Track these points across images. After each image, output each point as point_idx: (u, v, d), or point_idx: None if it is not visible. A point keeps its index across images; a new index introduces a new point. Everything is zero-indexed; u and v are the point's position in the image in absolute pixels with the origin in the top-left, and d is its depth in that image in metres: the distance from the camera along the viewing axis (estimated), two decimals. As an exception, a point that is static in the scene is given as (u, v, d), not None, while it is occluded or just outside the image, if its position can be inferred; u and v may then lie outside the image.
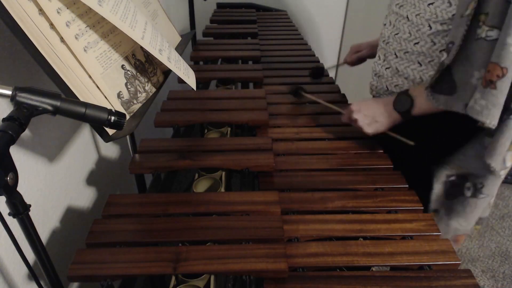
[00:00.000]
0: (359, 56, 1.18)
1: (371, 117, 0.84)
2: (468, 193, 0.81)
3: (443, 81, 0.72)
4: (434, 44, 0.78)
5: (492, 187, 0.79)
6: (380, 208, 0.73)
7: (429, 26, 0.77)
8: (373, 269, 0.64)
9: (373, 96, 0.99)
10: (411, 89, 0.80)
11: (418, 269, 0.62)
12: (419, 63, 0.83)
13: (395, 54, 0.87)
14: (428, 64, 0.82)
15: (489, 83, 0.65)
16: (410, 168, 0.83)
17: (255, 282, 0.60)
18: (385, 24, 0.89)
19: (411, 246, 0.64)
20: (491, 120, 0.67)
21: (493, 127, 0.68)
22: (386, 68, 0.91)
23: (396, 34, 0.85)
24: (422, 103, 0.77)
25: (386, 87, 0.92)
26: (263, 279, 0.59)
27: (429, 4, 0.75)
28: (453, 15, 0.72)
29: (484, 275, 1.60)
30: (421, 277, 0.59)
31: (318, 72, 1.23)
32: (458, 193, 0.83)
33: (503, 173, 0.76)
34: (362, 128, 0.84)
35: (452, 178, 0.85)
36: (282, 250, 0.61)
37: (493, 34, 0.64)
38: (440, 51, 0.78)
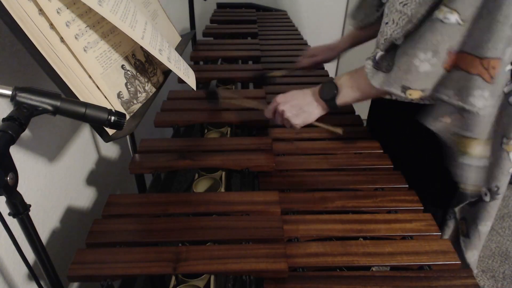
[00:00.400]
0: (315, 60, 1.14)
1: (298, 107, 0.79)
2: (487, 198, 0.78)
3: (386, 58, 0.70)
4: None
5: (505, 184, 0.77)
6: (380, 208, 0.73)
7: None
8: (373, 269, 0.64)
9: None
10: (336, 78, 0.78)
11: (418, 269, 0.62)
12: None
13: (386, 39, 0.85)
14: None
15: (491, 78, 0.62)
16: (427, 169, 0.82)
17: (255, 282, 0.60)
18: (387, 23, 0.86)
19: (411, 246, 0.64)
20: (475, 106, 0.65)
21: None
22: None
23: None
24: (348, 92, 0.75)
25: None
26: (263, 279, 0.59)
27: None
28: None
29: (484, 275, 1.60)
30: (421, 277, 0.59)
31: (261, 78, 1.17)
32: (479, 200, 0.80)
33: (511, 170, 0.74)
34: (290, 120, 0.80)
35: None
36: (282, 250, 0.61)
37: (452, 18, 0.60)
38: None
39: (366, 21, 0.97)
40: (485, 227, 0.83)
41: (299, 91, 0.82)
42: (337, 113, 1.03)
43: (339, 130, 0.81)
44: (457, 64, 0.64)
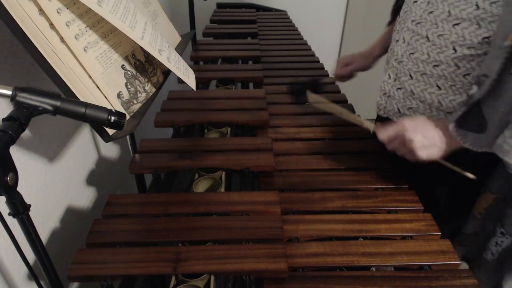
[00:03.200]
0: (352, 69, 1.06)
1: (432, 139, 0.67)
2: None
3: (472, 117, 0.63)
4: (459, 68, 0.70)
5: None
6: (380, 208, 0.73)
7: (454, 49, 0.69)
8: (373, 269, 0.64)
9: (380, 116, 0.90)
10: None
11: (418, 269, 0.62)
12: (438, 86, 0.75)
13: (410, 75, 0.79)
14: (449, 88, 0.73)
15: None
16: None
17: (255, 282, 0.60)
18: (397, 41, 0.82)
19: (411, 246, 0.64)
20: None
21: None
22: (398, 88, 0.83)
23: (412, 53, 0.77)
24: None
25: (398, 109, 0.84)
26: (263, 279, 0.59)
27: (454, 25, 0.68)
28: (483, 38, 0.65)
29: (484, 275, 1.60)
30: (421, 277, 0.59)
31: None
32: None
33: None
34: (415, 151, 0.67)
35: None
36: (282, 250, 0.61)
37: None
38: (464, 75, 0.71)
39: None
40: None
41: (429, 122, 0.69)
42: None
43: (472, 176, 0.70)
44: None
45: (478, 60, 0.68)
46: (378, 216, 0.71)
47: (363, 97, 1.66)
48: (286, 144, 0.91)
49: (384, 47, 1.00)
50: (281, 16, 1.90)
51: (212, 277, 0.64)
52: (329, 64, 1.23)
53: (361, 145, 0.90)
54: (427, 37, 0.73)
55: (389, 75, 0.86)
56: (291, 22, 1.81)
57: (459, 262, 0.62)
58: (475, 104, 0.63)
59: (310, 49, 1.48)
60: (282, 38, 1.59)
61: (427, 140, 0.67)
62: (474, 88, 0.62)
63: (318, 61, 1.38)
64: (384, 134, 0.72)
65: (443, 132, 0.68)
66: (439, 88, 0.75)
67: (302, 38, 1.60)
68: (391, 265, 0.62)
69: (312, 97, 0.84)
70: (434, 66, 0.74)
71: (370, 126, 0.76)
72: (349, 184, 0.79)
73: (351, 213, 0.71)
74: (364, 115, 0.81)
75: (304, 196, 0.75)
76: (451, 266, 0.62)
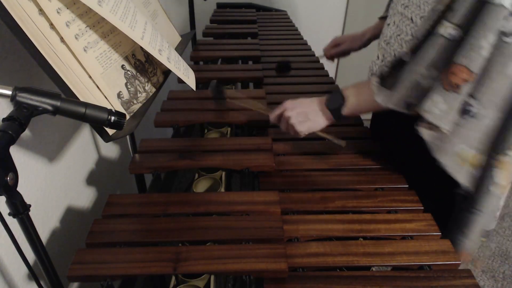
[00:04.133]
0: (339, 50, 1.14)
1: (304, 114, 0.79)
2: (463, 207, 0.76)
3: (391, 74, 0.69)
4: None
5: (484, 205, 0.73)
6: (380, 208, 0.73)
7: None
8: (373, 269, 0.64)
9: None
10: (343, 88, 0.78)
11: (418, 269, 0.62)
12: None
13: (395, 55, 0.84)
14: None
15: (454, 87, 0.61)
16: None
17: (255, 282, 0.60)
18: (388, 24, 0.87)
19: (411, 246, 0.64)
20: (447, 125, 0.64)
21: (448, 133, 0.65)
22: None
23: (399, 35, 0.82)
24: (354, 103, 0.75)
25: None
26: (263, 279, 0.59)
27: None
28: None
29: (484, 275, 1.60)
30: (421, 277, 0.59)
31: (285, 66, 1.15)
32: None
33: (492, 188, 0.70)
34: (294, 127, 0.79)
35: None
36: (282, 250, 0.61)
37: (456, 33, 0.60)
38: None
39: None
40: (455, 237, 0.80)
41: (307, 99, 0.81)
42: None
43: (342, 143, 0.81)
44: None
45: None
46: (378, 216, 0.71)
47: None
48: (286, 144, 0.91)
49: (375, 32, 1.07)
50: (281, 16, 1.90)
51: (212, 277, 0.64)
52: (329, 64, 1.23)
53: (361, 145, 0.90)
54: (411, 19, 0.77)
55: (377, 56, 0.91)
56: (291, 22, 1.81)
57: (459, 262, 0.62)
58: (396, 64, 0.68)
59: (310, 49, 1.48)
60: (282, 38, 1.59)
61: (301, 116, 0.78)
62: (406, 50, 0.67)
63: (318, 61, 1.38)
64: (272, 116, 0.83)
65: (318, 107, 0.78)
66: None
67: (302, 38, 1.60)
68: (391, 265, 0.62)
69: (230, 93, 0.95)
70: None
71: (264, 110, 0.88)
72: (349, 184, 0.79)
73: (351, 213, 0.71)
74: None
75: (304, 196, 0.75)
76: (451, 266, 0.62)
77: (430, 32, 0.63)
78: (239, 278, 0.66)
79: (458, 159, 0.68)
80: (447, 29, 0.60)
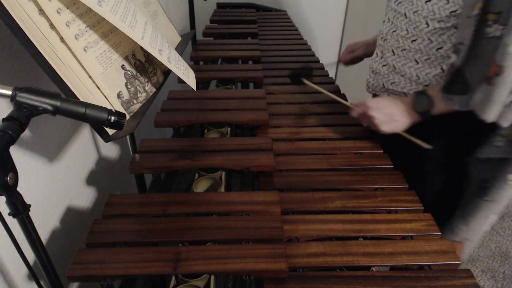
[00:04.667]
0: (354, 56, 1.17)
1: (390, 115, 0.81)
2: (473, 193, 0.79)
3: (455, 82, 0.72)
4: (431, 42, 0.78)
5: (499, 193, 0.77)
6: (380, 208, 0.73)
7: (427, 23, 0.77)
8: (373, 269, 0.64)
9: (371, 94, 0.99)
10: (429, 89, 0.79)
11: (418, 269, 0.62)
12: (416, 60, 0.83)
13: (393, 51, 0.87)
14: (425, 61, 0.81)
15: (486, 80, 0.66)
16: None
17: (255, 282, 0.60)
18: (384, 22, 0.90)
19: (411, 246, 0.64)
20: (487, 115, 0.67)
21: (489, 121, 0.68)
22: (383, 65, 0.91)
23: (394, 31, 0.85)
24: (441, 103, 0.76)
25: (383, 84, 0.92)
26: (263, 279, 0.59)
27: (426, 1, 0.75)
28: (451, 12, 0.72)
29: (484, 275, 1.60)
30: (421, 277, 0.59)
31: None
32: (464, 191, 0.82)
33: (510, 180, 0.75)
34: (378, 126, 0.82)
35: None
36: (282, 250, 0.61)
37: (503, 31, 0.63)
38: (437, 49, 0.78)
39: None
40: (453, 225, 0.84)
41: (391, 100, 0.84)
42: (338, 113, 1.04)
43: (428, 146, 0.81)
44: None
45: (448, 33, 0.76)
46: (378, 216, 0.71)
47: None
48: (286, 144, 0.91)
49: None
50: (281, 16, 1.90)
51: (212, 277, 0.64)
52: (329, 64, 1.23)
53: (361, 145, 0.90)
54: (405, 14, 0.81)
55: (376, 53, 0.94)
56: (291, 22, 1.81)
57: (459, 262, 0.62)
58: (456, 71, 0.70)
59: (310, 49, 1.48)
60: (282, 38, 1.59)
61: (386, 117, 0.82)
62: (453, 57, 0.71)
63: (318, 61, 1.38)
64: (355, 113, 0.87)
65: (403, 108, 0.81)
66: (417, 62, 0.83)
67: (302, 38, 1.60)
68: (391, 265, 0.62)
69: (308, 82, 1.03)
70: (412, 41, 0.82)
71: (348, 104, 0.92)
72: (349, 184, 0.79)
73: (351, 213, 0.71)
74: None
75: (304, 196, 0.75)
76: (451, 266, 0.62)
77: (476, 37, 0.66)
78: (239, 278, 0.66)
79: None
80: (501, 31, 0.63)
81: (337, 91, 1.16)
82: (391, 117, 0.81)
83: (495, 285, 1.56)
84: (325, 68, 1.33)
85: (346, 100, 1.09)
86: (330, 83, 1.22)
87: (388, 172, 0.82)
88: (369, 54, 1.15)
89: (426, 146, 0.81)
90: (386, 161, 0.85)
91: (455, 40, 0.72)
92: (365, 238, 0.68)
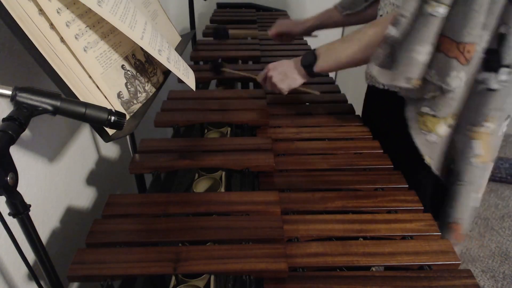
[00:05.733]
0: (279, 30, 1.24)
1: (284, 73, 0.91)
2: (450, 180, 0.82)
3: (386, 55, 0.74)
4: None
5: (467, 172, 0.79)
6: (380, 208, 0.73)
7: None
8: (373, 269, 0.64)
9: (369, 85, 1.03)
10: (317, 48, 0.87)
11: (418, 269, 0.62)
12: None
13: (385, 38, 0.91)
14: None
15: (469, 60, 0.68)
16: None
17: (255, 282, 0.60)
18: (381, 15, 0.92)
19: (411, 246, 0.64)
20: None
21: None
22: None
23: None
24: (324, 60, 0.85)
25: None
26: (263, 279, 0.59)
27: None
28: None
29: (484, 275, 1.60)
30: (421, 277, 0.59)
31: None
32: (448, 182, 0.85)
33: (473, 161, 0.77)
34: (276, 85, 0.91)
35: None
36: (282, 250, 0.61)
37: (441, 10, 0.65)
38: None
39: (354, 9, 1.09)
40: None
41: (286, 60, 0.93)
42: (338, 113, 1.04)
43: (316, 92, 0.96)
44: (439, 46, 0.70)
45: None
46: (378, 216, 0.71)
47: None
48: (286, 144, 0.91)
49: (324, 22, 1.18)
50: (281, 16, 1.89)
51: (212, 277, 0.64)
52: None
53: (361, 145, 0.90)
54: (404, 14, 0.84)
55: None
56: (291, 22, 1.81)
57: (459, 262, 0.62)
58: (392, 45, 0.73)
59: (310, 49, 1.48)
60: (282, 38, 1.59)
61: (281, 75, 0.91)
62: (390, 28, 0.72)
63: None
64: (259, 77, 0.97)
65: (294, 66, 0.90)
66: None
67: (302, 38, 1.59)
68: (391, 265, 0.62)
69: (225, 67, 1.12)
70: None
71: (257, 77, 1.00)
72: (349, 184, 0.79)
73: (351, 213, 0.71)
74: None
75: (304, 196, 0.75)
76: (451, 266, 0.62)
77: (418, 12, 0.68)
78: (239, 278, 0.66)
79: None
80: (435, 8, 0.66)
81: (337, 91, 1.16)
82: (286, 74, 0.91)
83: (495, 285, 1.56)
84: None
85: (346, 100, 1.12)
86: (330, 83, 1.22)
87: (388, 172, 0.82)
88: (295, 31, 1.21)
89: (315, 92, 0.96)
90: (386, 161, 0.85)
91: (397, 10, 0.72)
92: (365, 238, 0.68)
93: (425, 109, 0.76)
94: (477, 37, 0.66)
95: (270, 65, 0.94)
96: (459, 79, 0.69)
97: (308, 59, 0.87)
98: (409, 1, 0.68)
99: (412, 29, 0.69)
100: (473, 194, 0.81)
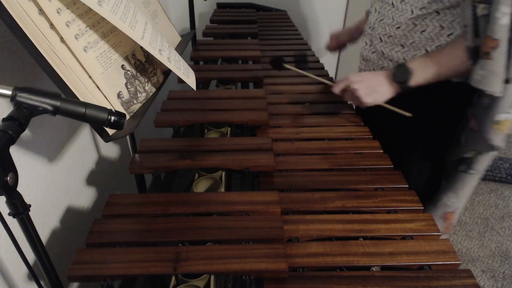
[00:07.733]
0: (339, 42, 1.27)
1: (372, 87, 0.86)
2: (461, 168, 0.85)
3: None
4: (415, 26, 0.86)
5: (482, 164, 0.83)
6: (380, 208, 0.73)
7: (411, 11, 0.84)
8: (373, 269, 0.64)
9: None
10: (408, 62, 0.85)
11: (418, 269, 0.62)
12: (401, 45, 0.90)
13: (380, 38, 0.94)
14: (410, 45, 0.89)
15: (485, 55, 0.70)
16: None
17: (255, 282, 0.60)
18: (370, 12, 0.95)
19: (411, 246, 0.64)
20: (492, 87, 0.71)
21: (497, 95, 0.72)
22: (373, 52, 0.98)
23: (381, 20, 0.92)
24: (420, 74, 0.83)
25: (373, 69, 0.99)
26: (263, 279, 0.59)
27: None
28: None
29: (484, 275, 1.60)
30: (421, 277, 0.59)
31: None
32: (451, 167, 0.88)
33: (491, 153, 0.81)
34: (361, 98, 0.86)
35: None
36: (282, 250, 0.61)
37: (487, 10, 0.68)
38: (421, 32, 0.86)
39: None
40: (445, 198, 0.91)
41: (372, 73, 0.90)
42: (338, 113, 1.04)
43: (408, 114, 0.88)
44: None
45: (430, 17, 0.83)
46: (378, 216, 0.71)
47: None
48: (286, 144, 0.91)
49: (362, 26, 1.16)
50: (281, 16, 1.89)
51: (212, 277, 0.64)
52: (330, 64, 1.24)
53: (361, 145, 0.90)
54: (392, 4, 0.89)
55: (365, 41, 1.01)
56: (291, 22, 1.81)
57: (459, 262, 0.62)
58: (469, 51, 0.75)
59: (310, 49, 1.48)
60: (282, 38, 1.59)
61: (368, 89, 0.86)
62: (467, 40, 0.75)
63: (318, 61, 1.38)
64: (337, 88, 0.92)
65: (383, 79, 0.86)
66: (403, 47, 0.90)
67: (302, 38, 1.60)
68: (391, 265, 0.62)
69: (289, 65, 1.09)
70: (397, 28, 0.89)
71: (331, 83, 0.97)
72: (349, 184, 0.79)
73: (351, 213, 0.71)
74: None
75: (304, 196, 0.75)
76: (451, 266, 0.62)
77: (475, 16, 0.71)
78: (239, 278, 0.66)
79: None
80: (484, 10, 0.69)
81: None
82: (373, 88, 0.86)
83: (495, 285, 1.56)
84: (325, 68, 1.33)
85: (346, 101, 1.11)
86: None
87: (388, 172, 0.82)
88: (352, 40, 1.24)
89: (406, 114, 0.87)
90: (386, 161, 0.85)
91: (460, 22, 0.77)
92: (365, 238, 0.68)
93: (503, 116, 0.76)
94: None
95: (354, 78, 0.88)
96: None
97: (403, 75, 0.84)
98: (465, 10, 0.71)
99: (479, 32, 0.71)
100: (476, 182, 0.84)
